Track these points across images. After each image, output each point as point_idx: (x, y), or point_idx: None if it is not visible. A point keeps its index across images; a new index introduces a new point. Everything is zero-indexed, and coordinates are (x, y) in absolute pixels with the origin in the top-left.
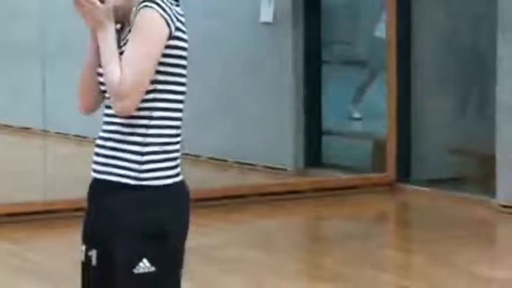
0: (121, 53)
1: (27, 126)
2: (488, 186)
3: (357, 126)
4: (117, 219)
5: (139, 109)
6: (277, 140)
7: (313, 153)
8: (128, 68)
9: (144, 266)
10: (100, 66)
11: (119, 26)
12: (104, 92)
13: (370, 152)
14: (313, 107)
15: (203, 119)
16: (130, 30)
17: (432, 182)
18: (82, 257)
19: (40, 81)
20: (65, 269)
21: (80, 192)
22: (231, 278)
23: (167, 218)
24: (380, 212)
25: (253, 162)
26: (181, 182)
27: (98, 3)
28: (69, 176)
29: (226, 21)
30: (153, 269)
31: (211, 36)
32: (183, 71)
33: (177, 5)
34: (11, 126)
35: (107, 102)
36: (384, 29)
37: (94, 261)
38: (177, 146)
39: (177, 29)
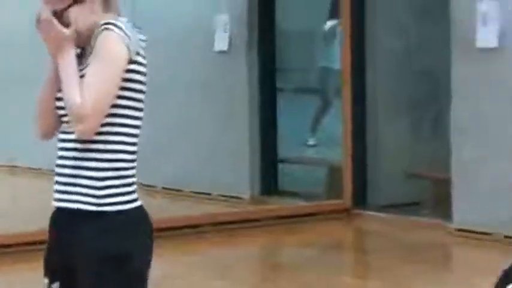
0: (81, 76)
1: None
2: (444, 210)
3: (313, 153)
4: (80, 247)
5: (95, 133)
6: (233, 169)
7: (269, 181)
8: (88, 91)
9: None
10: (59, 90)
11: (79, 50)
12: (62, 116)
13: (326, 179)
14: (269, 135)
15: (157, 149)
16: (91, 53)
17: (388, 208)
18: None
19: None
20: None
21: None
22: None
23: (130, 243)
24: (336, 239)
25: (209, 192)
26: (141, 207)
27: (60, 27)
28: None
29: (182, 49)
30: None
31: (167, 64)
32: (141, 96)
33: (139, 32)
34: None
35: (63, 127)
36: (337, 57)
37: None
38: (133, 171)
39: (137, 53)
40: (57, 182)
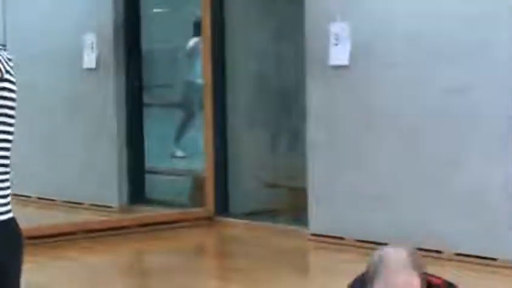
0: None
1: None
2: (301, 217)
3: (180, 164)
4: None
5: None
6: (103, 179)
7: (136, 190)
8: None
9: None
10: None
11: None
12: None
13: (190, 189)
14: (136, 147)
15: (31, 161)
16: None
17: (249, 215)
18: None
19: None
20: None
21: None
22: None
23: (5, 255)
24: (200, 244)
25: (80, 201)
26: (13, 219)
27: None
28: None
29: (51, 66)
30: None
31: (36, 81)
32: (13, 112)
33: (4, 49)
34: None
35: None
36: (199, 73)
37: None
38: (7, 184)
39: (7, 72)
40: None
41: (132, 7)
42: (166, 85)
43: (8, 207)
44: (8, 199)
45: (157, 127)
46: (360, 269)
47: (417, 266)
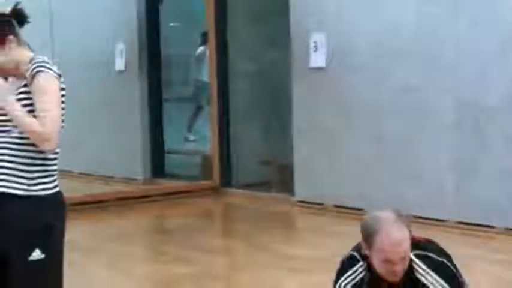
0: (24, 104)
1: None
2: (289, 188)
3: (192, 146)
4: (11, 224)
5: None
6: (131, 158)
7: (158, 166)
8: (45, 116)
9: (37, 254)
10: None
11: (1, 80)
12: None
13: (201, 165)
14: (157, 132)
15: (75, 144)
16: (25, 85)
17: (247, 186)
18: None
19: None
20: None
21: None
22: (93, 261)
23: (52, 218)
24: (209, 210)
25: (112, 175)
26: (59, 192)
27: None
28: None
29: (91, 69)
30: (43, 256)
31: (80, 81)
32: (64, 107)
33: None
34: None
35: None
36: (207, 74)
37: None
38: (55, 167)
39: (61, 81)
40: None
41: (154, 22)
42: (180, 83)
43: (55, 183)
44: (55, 177)
45: (173, 117)
46: (335, 227)
47: (406, 224)
